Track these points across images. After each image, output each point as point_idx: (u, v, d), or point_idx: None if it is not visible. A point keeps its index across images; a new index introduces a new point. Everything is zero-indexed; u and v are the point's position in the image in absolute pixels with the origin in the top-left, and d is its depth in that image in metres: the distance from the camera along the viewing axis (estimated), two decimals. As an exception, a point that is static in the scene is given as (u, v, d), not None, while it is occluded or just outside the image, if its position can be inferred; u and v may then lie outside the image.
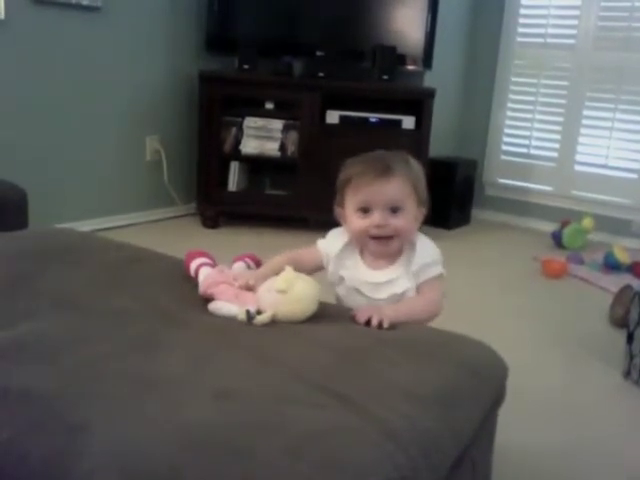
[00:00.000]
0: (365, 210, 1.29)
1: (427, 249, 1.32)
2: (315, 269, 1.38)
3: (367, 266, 1.34)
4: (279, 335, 1.12)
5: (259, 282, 1.25)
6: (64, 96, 3.05)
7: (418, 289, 1.31)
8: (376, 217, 1.28)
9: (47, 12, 2.89)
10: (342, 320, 1.20)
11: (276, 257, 1.37)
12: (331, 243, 1.38)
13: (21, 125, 2.90)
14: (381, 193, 1.27)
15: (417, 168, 1.34)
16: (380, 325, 1.16)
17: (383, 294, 1.31)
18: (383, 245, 1.31)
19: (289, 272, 1.20)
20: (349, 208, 1.32)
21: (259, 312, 1.17)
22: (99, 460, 0.76)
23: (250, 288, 1.25)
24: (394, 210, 1.28)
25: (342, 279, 1.36)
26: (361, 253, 1.36)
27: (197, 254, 1.39)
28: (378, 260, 1.33)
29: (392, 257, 1.33)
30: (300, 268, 1.27)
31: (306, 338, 1.11)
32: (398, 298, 1.31)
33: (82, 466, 0.76)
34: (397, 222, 1.28)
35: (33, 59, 2.90)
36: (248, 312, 1.16)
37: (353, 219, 1.31)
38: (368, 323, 1.17)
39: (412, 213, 1.31)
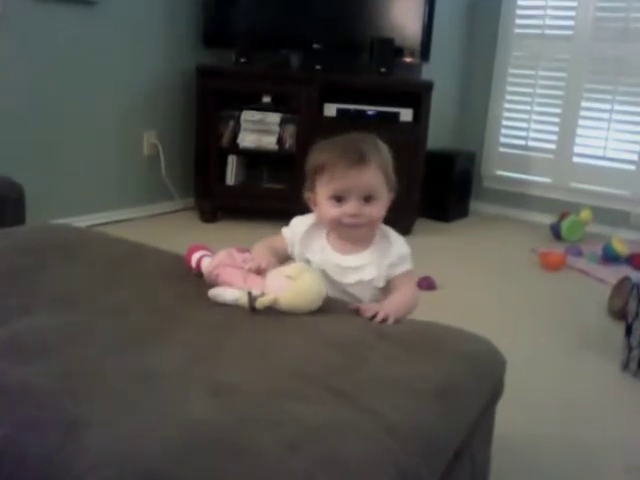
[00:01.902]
0: (338, 198, 1.29)
1: (401, 243, 1.34)
2: (286, 256, 1.39)
3: (335, 250, 1.34)
4: (278, 330, 1.11)
5: (269, 267, 1.26)
6: (61, 91, 3.03)
7: (393, 281, 1.31)
8: (350, 207, 1.28)
9: (44, 7, 2.88)
10: (341, 315, 1.20)
11: (257, 246, 1.38)
12: (294, 229, 1.39)
13: (18, 120, 2.89)
14: (356, 182, 1.27)
15: (386, 152, 1.34)
16: (384, 321, 1.17)
17: (350, 279, 1.32)
18: (353, 230, 1.31)
19: (301, 263, 1.24)
20: (321, 195, 1.31)
21: (262, 295, 1.17)
22: (97, 457, 0.76)
23: (260, 272, 1.26)
24: (367, 199, 1.28)
25: (308, 262, 1.36)
26: (327, 236, 1.36)
27: (199, 247, 1.39)
28: (345, 244, 1.33)
29: (361, 243, 1.33)
30: (277, 255, 1.34)
31: (305, 333, 1.10)
32: (365, 285, 1.31)
33: (80, 464, 0.76)
34: (370, 211, 1.29)
35: (30, 54, 2.88)
36: (250, 294, 1.16)
37: (326, 207, 1.31)
38: (372, 319, 1.18)
39: (384, 200, 1.32)
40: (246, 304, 1.16)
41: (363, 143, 1.30)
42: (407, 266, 1.32)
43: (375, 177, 1.28)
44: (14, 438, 0.80)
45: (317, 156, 1.32)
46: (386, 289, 1.32)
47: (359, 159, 1.26)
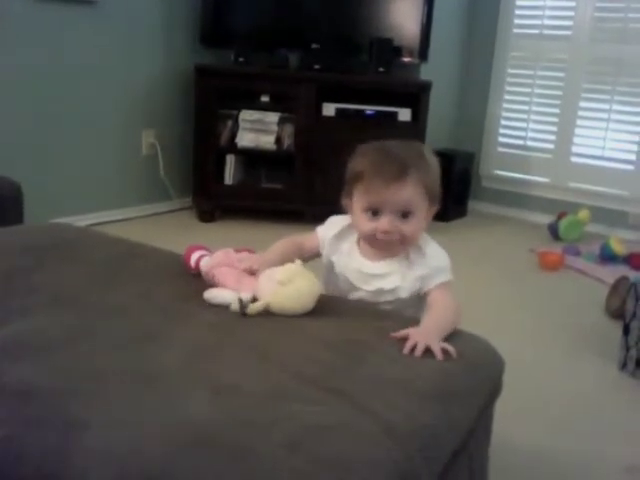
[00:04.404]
0: (374, 212, 1.23)
1: (438, 255, 1.27)
2: (314, 255, 1.36)
3: (362, 255, 1.30)
4: (277, 330, 1.11)
5: (263, 267, 1.24)
6: (59, 90, 3.03)
7: (428, 295, 1.25)
8: (385, 223, 1.22)
9: (42, 6, 2.87)
10: (340, 315, 1.20)
11: (279, 241, 1.35)
12: (328, 229, 1.35)
13: (16, 120, 2.88)
14: (393, 198, 1.21)
15: (433, 164, 1.27)
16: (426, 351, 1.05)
17: (370, 286, 1.28)
18: (386, 245, 1.26)
19: (293, 265, 1.20)
20: (357, 205, 1.26)
21: (254, 300, 1.17)
22: (96, 457, 0.76)
23: (253, 272, 1.25)
24: (404, 215, 1.23)
25: (332, 264, 1.32)
26: (358, 240, 1.32)
27: (197, 248, 1.39)
28: (375, 251, 1.28)
29: (391, 252, 1.28)
30: (300, 254, 1.28)
31: (304, 333, 1.10)
32: (385, 293, 1.27)
33: (79, 463, 0.76)
34: (406, 228, 1.23)
35: (27, 53, 2.87)
36: (241, 300, 1.15)
37: (361, 218, 1.26)
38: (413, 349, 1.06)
39: (423, 215, 1.26)
40: (237, 310, 1.16)
41: (406, 154, 1.23)
42: (443, 278, 1.24)
43: (413, 193, 1.22)
44: (14, 438, 0.80)
45: (356, 163, 1.25)
46: (423, 300, 1.26)
47: (397, 173, 1.20)
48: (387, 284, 1.27)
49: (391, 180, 1.20)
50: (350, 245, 1.32)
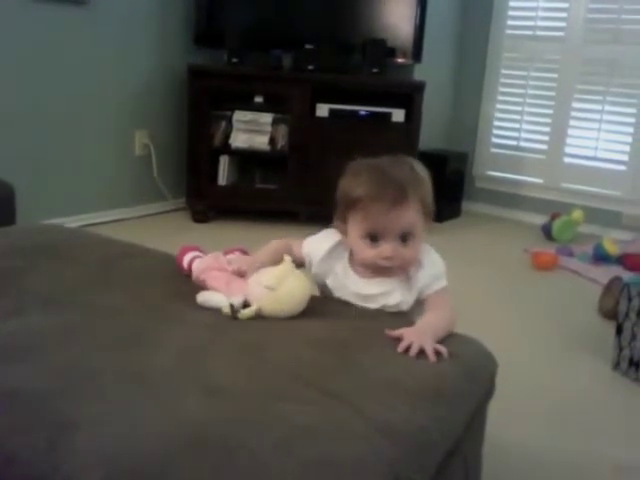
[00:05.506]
0: (373, 237, 1.19)
1: (434, 262, 1.25)
2: (299, 264, 1.31)
3: (358, 275, 1.26)
4: (271, 331, 1.11)
5: (252, 268, 1.23)
6: (52, 91, 3.02)
7: (426, 301, 1.24)
8: (387, 249, 1.19)
9: (35, 6, 2.86)
10: (334, 316, 1.19)
11: (272, 242, 1.34)
12: (316, 246, 1.30)
13: (8, 121, 2.87)
14: (394, 223, 1.17)
15: (425, 177, 1.24)
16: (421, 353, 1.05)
17: (375, 304, 1.24)
18: (387, 270, 1.23)
19: (281, 268, 1.18)
20: (354, 230, 1.21)
21: (245, 305, 1.17)
22: (86, 458, 0.76)
23: (242, 274, 1.24)
24: (404, 238, 1.19)
25: (327, 286, 1.28)
26: (350, 258, 1.27)
27: (191, 249, 1.39)
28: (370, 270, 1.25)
29: (391, 273, 1.25)
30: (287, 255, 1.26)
31: (297, 334, 1.10)
32: (390, 309, 1.24)
33: (69, 464, 0.75)
34: (407, 253, 1.20)
35: (20, 53, 2.87)
36: (232, 306, 1.15)
37: (359, 246, 1.21)
38: (408, 350, 1.06)
39: (421, 234, 1.22)
40: (229, 314, 1.15)
41: (401, 174, 1.18)
42: (440, 284, 1.23)
43: (414, 215, 1.19)
44: (4, 439, 0.80)
45: (350, 187, 1.19)
46: (420, 307, 1.25)
47: (397, 198, 1.16)
48: (391, 300, 1.24)
49: (391, 206, 1.16)
50: (343, 265, 1.27)
